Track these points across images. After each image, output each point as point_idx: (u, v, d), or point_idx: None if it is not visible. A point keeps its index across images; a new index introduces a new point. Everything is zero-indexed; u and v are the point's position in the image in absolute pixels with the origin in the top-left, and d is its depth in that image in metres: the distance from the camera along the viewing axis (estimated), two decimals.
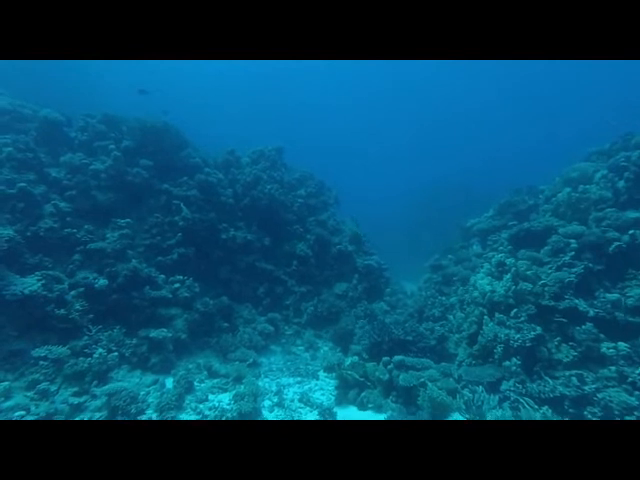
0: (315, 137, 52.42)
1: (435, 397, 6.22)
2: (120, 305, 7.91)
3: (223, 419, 6.04)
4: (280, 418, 6.36)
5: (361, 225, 14.20)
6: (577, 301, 7.14)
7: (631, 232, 7.45)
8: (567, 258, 7.72)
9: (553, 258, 8.06)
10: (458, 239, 13.83)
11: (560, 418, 6.01)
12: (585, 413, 5.95)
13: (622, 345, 6.45)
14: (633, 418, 5.62)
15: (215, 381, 7.48)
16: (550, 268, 7.84)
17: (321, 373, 8.42)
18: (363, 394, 7.07)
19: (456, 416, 6.34)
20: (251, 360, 8.33)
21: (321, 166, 16.40)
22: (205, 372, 7.76)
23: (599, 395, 6.02)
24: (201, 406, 6.52)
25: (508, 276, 7.86)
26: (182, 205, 10.14)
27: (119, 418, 5.71)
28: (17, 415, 5.27)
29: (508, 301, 7.66)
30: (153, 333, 7.62)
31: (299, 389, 7.57)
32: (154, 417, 5.96)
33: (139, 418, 5.84)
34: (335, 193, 15.13)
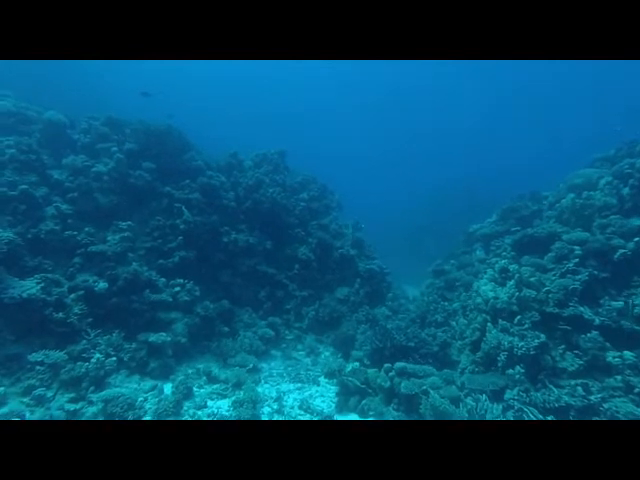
0: (318, 141, 52.47)
1: (437, 406, 6.12)
2: (120, 309, 7.85)
3: None
4: None
5: (363, 228, 14.14)
6: (582, 309, 7.05)
7: (636, 240, 7.37)
8: (571, 265, 7.63)
9: (557, 265, 7.97)
10: (461, 244, 13.75)
11: None
12: None
13: (628, 354, 6.35)
14: None
15: (214, 387, 7.39)
16: (554, 275, 7.76)
17: (322, 379, 8.32)
18: (364, 401, 6.98)
19: None
20: (251, 365, 8.24)
21: (324, 170, 16.36)
22: (204, 377, 7.68)
23: (605, 405, 5.91)
24: (199, 413, 6.44)
25: (511, 282, 7.78)
26: (184, 208, 10.11)
27: None
28: None
29: (511, 308, 7.58)
30: (152, 337, 7.55)
31: (299, 395, 7.48)
32: None
33: None
34: (337, 197, 15.07)
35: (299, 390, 7.75)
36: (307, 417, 6.63)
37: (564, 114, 47.43)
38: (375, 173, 49.71)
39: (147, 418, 6.04)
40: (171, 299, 8.64)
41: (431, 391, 6.54)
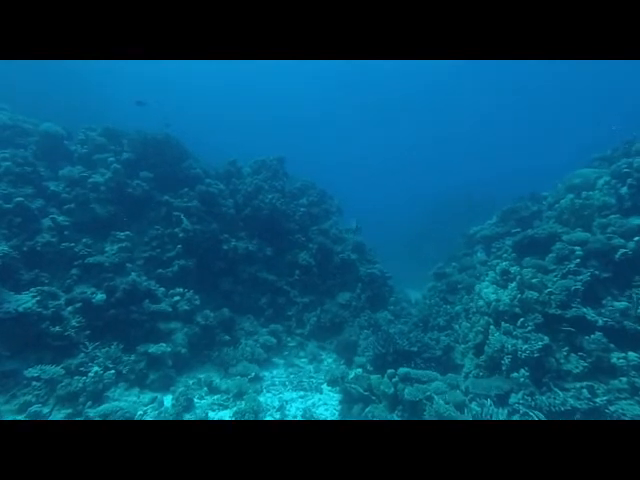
0: (318, 148, 52.77)
1: (442, 412, 6.03)
2: (118, 320, 7.77)
3: None
4: None
5: (360, 229, 14.09)
6: (585, 310, 6.98)
7: (637, 239, 7.32)
8: (572, 266, 7.57)
9: (558, 266, 7.91)
10: (461, 246, 13.69)
11: None
12: None
13: (632, 355, 6.28)
14: None
15: (215, 397, 7.29)
16: (555, 276, 7.69)
17: (325, 386, 8.23)
18: (368, 409, 6.87)
19: None
20: (253, 374, 8.15)
21: (323, 177, 16.37)
22: (205, 388, 7.57)
23: (611, 408, 5.83)
24: None
25: (513, 284, 7.71)
26: (182, 216, 10.07)
27: None
28: None
29: (514, 310, 7.50)
30: (152, 348, 7.47)
31: (302, 404, 7.38)
32: None
33: None
34: (337, 201, 15.06)
35: (302, 399, 7.66)
36: None
37: (563, 116, 47.68)
38: (374, 179, 49.92)
39: None
40: (171, 309, 8.57)
41: (435, 397, 6.44)
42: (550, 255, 8.17)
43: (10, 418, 5.54)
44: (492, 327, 7.51)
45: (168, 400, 6.94)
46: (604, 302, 7.09)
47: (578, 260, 7.60)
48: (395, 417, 6.60)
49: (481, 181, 32.51)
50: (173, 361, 7.83)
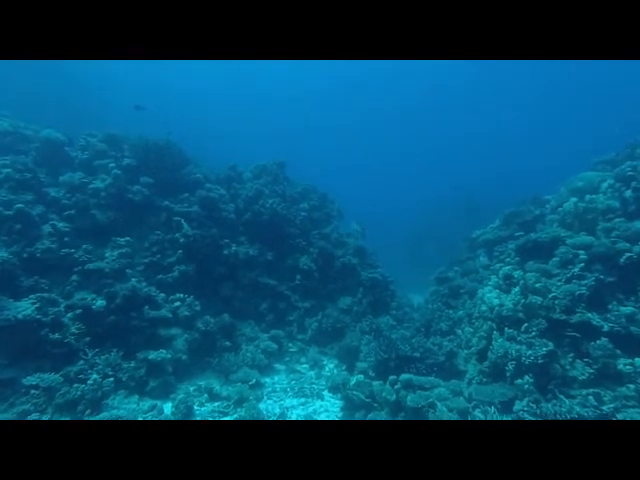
0: (318, 152, 52.85)
1: (445, 420, 5.93)
2: (118, 326, 7.71)
3: None
4: None
5: (359, 231, 14.06)
6: (590, 315, 6.88)
7: None
8: (577, 270, 7.48)
9: (562, 270, 7.82)
10: (464, 250, 13.60)
11: None
12: None
13: (639, 361, 6.17)
14: None
15: (216, 404, 7.21)
16: (559, 280, 7.60)
17: (326, 393, 8.13)
18: (370, 416, 6.78)
19: None
20: (254, 380, 8.06)
21: (324, 181, 16.33)
22: (206, 395, 7.49)
23: (618, 415, 5.71)
24: None
25: (516, 289, 7.62)
26: (183, 222, 10.04)
27: None
28: None
29: (517, 315, 7.41)
30: (152, 355, 7.40)
31: (303, 411, 7.28)
32: None
33: None
34: (338, 206, 15.00)
35: (303, 406, 7.56)
36: None
37: (563, 117, 47.62)
38: (375, 182, 49.93)
39: None
40: (171, 315, 8.51)
41: (438, 403, 6.35)
42: (554, 259, 8.08)
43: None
44: (495, 332, 7.42)
45: (168, 407, 6.86)
46: (609, 307, 7.00)
47: (582, 264, 7.51)
48: None
49: (481, 183, 32.46)
50: (173, 367, 7.76)
